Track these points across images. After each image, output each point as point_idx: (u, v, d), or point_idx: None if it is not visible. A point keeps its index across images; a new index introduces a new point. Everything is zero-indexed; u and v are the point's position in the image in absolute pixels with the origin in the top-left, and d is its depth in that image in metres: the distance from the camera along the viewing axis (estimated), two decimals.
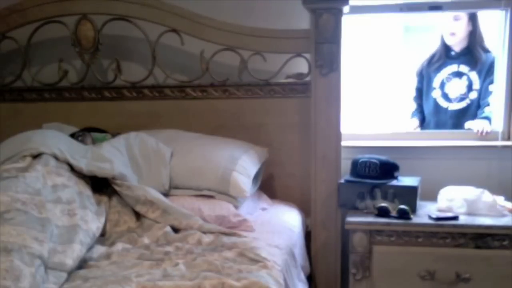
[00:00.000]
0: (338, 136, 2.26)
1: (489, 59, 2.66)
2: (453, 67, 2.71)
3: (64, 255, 1.55)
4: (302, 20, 2.36)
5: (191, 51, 2.48)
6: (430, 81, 2.76)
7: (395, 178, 2.23)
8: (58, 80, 2.58)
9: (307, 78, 2.36)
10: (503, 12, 2.44)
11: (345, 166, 2.30)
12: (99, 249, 1.75)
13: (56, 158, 1.93)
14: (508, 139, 2.47)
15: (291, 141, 2.46)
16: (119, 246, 1.78)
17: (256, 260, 1.63)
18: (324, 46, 2.22)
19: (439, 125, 2.74)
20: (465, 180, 2.31)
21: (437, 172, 2.46)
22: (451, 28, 2.67)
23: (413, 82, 2.83)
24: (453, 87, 2.69)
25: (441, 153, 2.50)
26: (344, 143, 2.31)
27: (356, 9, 2.41)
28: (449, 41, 2.70)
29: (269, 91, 2.45)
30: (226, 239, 1.81)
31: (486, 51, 2.69)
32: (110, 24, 2.46)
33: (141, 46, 2.52)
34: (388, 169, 2.22)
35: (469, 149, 2.47)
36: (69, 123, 2.49)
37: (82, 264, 1.63)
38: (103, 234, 1.89)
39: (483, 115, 2.62)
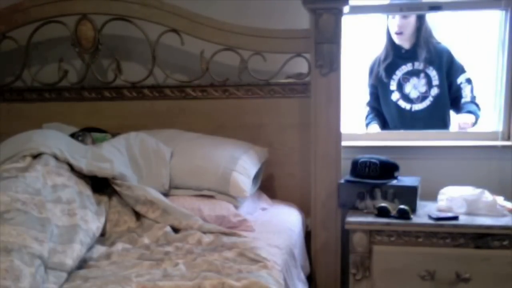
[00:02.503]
0: (338, 136, 2.26)
1: (443, 51, 2.62)
2: (408, 66, 2.64)
3: (64, 255, 1.55)
4: (302, 20, 2.36)
5: (191, 51, 2.48)
6: (386, 85, 2.68)
7: (395, 178, 2.23)
8: (58, 80, 2.58)
9: (307, 78, 2.36)
10: (503, 12, 2.44)
11: (345, 166, 2.30)
12: (99, 249, 1.75)
13: (56, 158, 1.93)
14: (508, 139, 2.47)
15: (291, 141, 2.46)
16: (119, 246, 1.78)
17: (256, 260, 1.63)
18: (324, 46, 2.22)
19: (406, 129, 2.65)
20: (465, 180, 2.31)
21: (437, 172, 2.46)
22: (399, 27, 2.60)
23: (366, 88, 2.76)
24: (412, 86, 2.64)
25: (441, 153, 2.50)
26: (344, 143, 2.31)
27: (356, 9, 2.42)
28: (397, 40, 2.64)
29: (269, 91, 2.46)
30: (226, 239, 1.81)
31: (436, 43, 2.63)
32: (110, 24, 2.46)
33: (141, 46, 2.52)
34: (388, 169, 2.22)
35: (469, 149, 2.47)
36: (69, 123, 2.49)
37: (82, 264, 1.63)
38: (103, 234, 1.89)
39: (469, 109, 2.58)
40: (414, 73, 2.64)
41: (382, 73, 2.67)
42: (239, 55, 2.39)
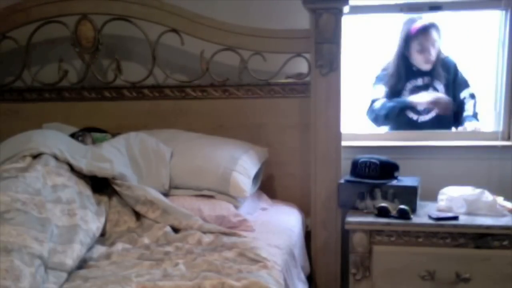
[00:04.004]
0: (338, 136, 2.26)
1: (450, 65, 2.61)
2: (418, 81, 2.62)
3: (64, 255, 1.55)
4: (302, 20, 2.36)
5: (191, 51, 2.48)
6: (395, 96, 2.66)
7: (395, 178, 2.23)
8: (58, 80, 2.58)
9: (307, 78, 2.36)
10: (503, 12, 2.45)
11: (345, 166, 2.30)
12: (99, 249, 1.75)
13: (56, 158, 1.93)
14: (508, 139, 2.47)
15: (291, 141, 2.46)
16: (119, 246, 1.78)
17: (256, 260, 1.63)
18: (324, 46, 2.22)
19: None
20: (465, 180, 2.31)
21: (437, 172, 2.46)
22: (431, 56, 2.56)
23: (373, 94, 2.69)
24: (420, 100, 2.61)
25: (441, 153, 2.50)
26: (344, 143, 2.31)
27: (356, 9, 2.41)
28: (424, 67, 2.60)
29: (269, 91, 2.46)
30: (226, 239, 1.81)
31: (445, 58, 2.62)
32: (110, 24, 2.46)
33: (141, 46, 2.52)
34: (388, 169, 2.22)
35: (469, 149, 2.47)
36: (69, 123, 2.49)
37: (82, 264, 1.63)
38: (103, 234, 1.89)
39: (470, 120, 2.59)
40: (424, 87, 2.63)
41: (393, 87, 2.64)
42: (239, 55, 2.39)
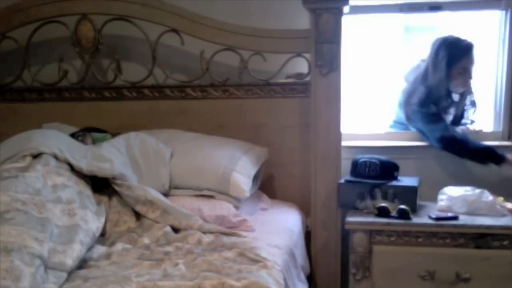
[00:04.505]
0: (338, 136, 2.26)
1: None
2: (445, 102, 2.51)
3: (64, 255, 1.55)
4: (302, 20, 2.36)
5: (191, 51, 2.48)
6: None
7: (395, 178, 2.23)
8: (58, 80, 2.58)
9: (307, 78, 2.36)
10: (503, 12, 2.45)
11: (345, 166, 2.30)
12: (99, 249, 1.76)
13: (56, 158, 1.93)
14: (508, 139, 2.48)
15: (291, 141, 2.46)
16: (119, 246, 1.79)
17: (256, 260, 1.63)
18: (324, 46, 2.22)
19: None
20: (465, 180, 2.31)
21: (437, 172, 2.45)
22: (470, 79, 2.46)
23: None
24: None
25: (441, 153, 2.50)
26: (344, 143, 2.31)
27: (356, 9, 2.42)
28: (459, 90, 2.50)
29: (269, 91, 2.46)
30: (226, 239, 1.81)
31: None
32: (110, 24, 2.46)
33: (141, 46, 2.52)
34: (388, 169, 2.22)
35: None
36: (69, 123, 2.49)
37: (82, 264, 1.64)
38: (103, 234, 1.89)
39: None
40: (448, 106, 2.53)
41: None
42: (239, 55, 2.39)
